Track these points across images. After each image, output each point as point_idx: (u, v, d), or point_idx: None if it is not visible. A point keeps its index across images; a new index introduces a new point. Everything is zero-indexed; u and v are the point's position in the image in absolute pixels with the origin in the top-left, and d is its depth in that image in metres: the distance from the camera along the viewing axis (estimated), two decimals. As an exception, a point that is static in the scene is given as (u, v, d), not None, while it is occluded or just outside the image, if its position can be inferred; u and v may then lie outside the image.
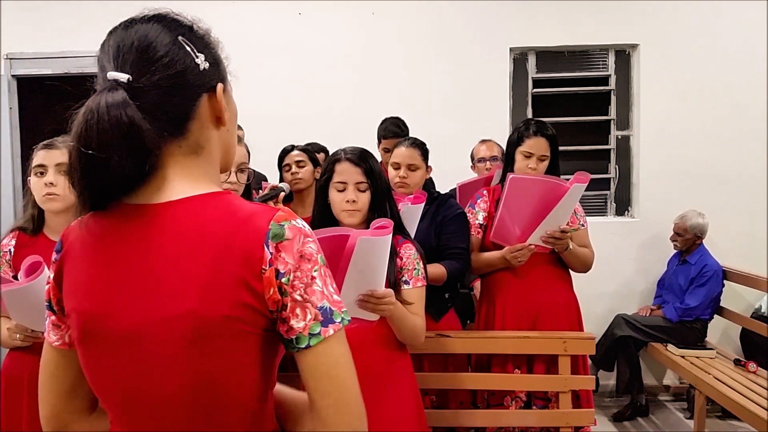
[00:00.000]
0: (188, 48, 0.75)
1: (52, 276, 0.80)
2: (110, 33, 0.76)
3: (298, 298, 0.73)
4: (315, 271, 0.75)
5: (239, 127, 2.41)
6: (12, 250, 1.67)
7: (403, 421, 1.56)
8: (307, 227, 0.78)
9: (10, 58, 3.81)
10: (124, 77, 0.70)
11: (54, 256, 0.81)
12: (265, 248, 0.72)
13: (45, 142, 1.67)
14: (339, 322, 0.76)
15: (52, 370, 0.82)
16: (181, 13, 0.79)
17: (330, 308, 0.75)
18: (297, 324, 0.73)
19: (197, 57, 0.75)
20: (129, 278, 0.72)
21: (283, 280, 0.73)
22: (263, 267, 0.72)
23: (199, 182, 0.77)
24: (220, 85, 0.80)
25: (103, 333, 0.73)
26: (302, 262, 0.74)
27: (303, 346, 0.74)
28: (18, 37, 3.78)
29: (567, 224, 2.11)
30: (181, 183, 0.76)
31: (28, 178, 1.67)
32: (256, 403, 0.77)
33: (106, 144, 0.68)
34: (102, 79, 0.73)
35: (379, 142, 2.84)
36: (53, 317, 0.82)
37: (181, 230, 0.73)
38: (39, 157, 1.65)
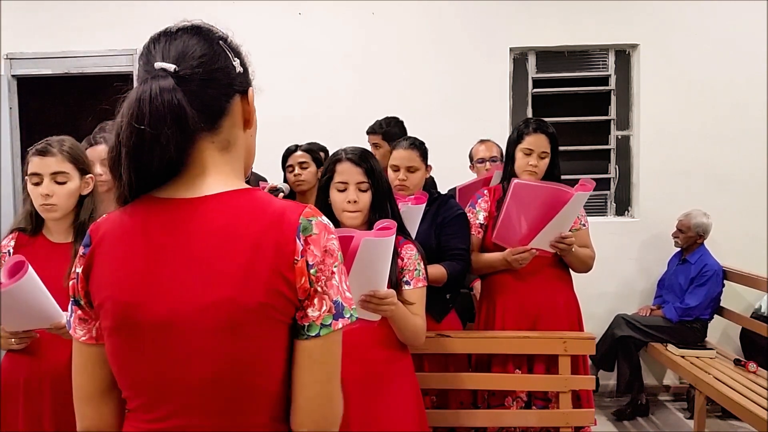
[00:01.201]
0: (226, 51, 0.82)
1: (80, 270, 0.82)
2: (154, 39, 0.82)
3: (318, 289, 0.79)
4: (335, 266, 0.81)
5: None
6: (11, 251, 1.65)
7: (404, 421, 1.56)
8: (331, 225, 0.84)
9: (10, 58, 3.80)
10: (171, 67, 0.76)
11: (82, 250, 0.83)
12: (297, 241, 0.78)
13: (39, 148, 1.61)
14: (348, 318, 0.82)
15: (90, 371, 0.84)
16: (215, 26, 0.85)
17: (342, 303, 0.81)
18: (312, 313, 0.79)
19: (234, 60, 0.82)
20: (167, 268, 0.76)
21: (311, 271, 0.78)
22: (296, 258, 0.77)
23: (229, 178, 0.82)
24: (251, 89, 0.86)
25: (140, 321, 0.76)
26: (326, 257, 0.80)
27: (313, 334, 0.79)
28: (18, 37, 3.78)
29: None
30: (214, 179, 0.81)
31: (26, 177, 1.65)
32: (279, 389, 0.80)
33: (157, 121, 0.73)
34: (146, 70, 0.78)
35: None
36: (80, 312, 0.84)
37: (217, 223, 0.77)
38: (34, 164, 1.60)
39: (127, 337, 0.78)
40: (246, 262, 0.75)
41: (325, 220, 0.83)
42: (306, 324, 0.79)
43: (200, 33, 0.81)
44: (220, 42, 0.82)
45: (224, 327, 0.75)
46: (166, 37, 0.81)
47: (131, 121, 0.73)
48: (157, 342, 0.76)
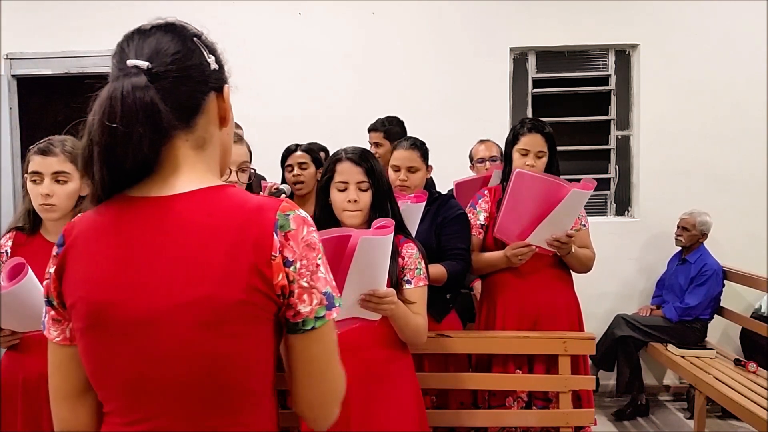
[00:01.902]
0: (201, 48, 0.81)
1: (53, 270, 0.81)
2: (127, 37, 0.80)
3: (305, 284, 0.79)
4: (319, 258, 0.81)
5: (238, 126, 2.41)
6: (9, 250, 1.65)
7: (404, 421, 1.56)
8: (309, 217, 0.83)
9: (10, 58, 3.80)
10: (144, 64, 0.75)
11: (55, 250, 0.82)
12: (275, 236, 0.77)
13: (41, 146, 1.61)
14: (338, 306, 0.83)
15: (64, 372, 0.83)
16: (189, 23, 0.84)
17: (332, 293, 0.82)
18: (304, 309, 0.79)
19: (209, 57, 0.81)
20: (142, 267, 0.75)
21: (291, 268, 0.78)
22: (273, 254, 0.77)
23: (204, 176, 0.81)
24: (227, 87, 0.85)
25: (114, 321, 0.75)
26: (308, 251, 0.80)
27: (309, 328, 0.79)
28: (18, 37, 3.78)
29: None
30: (189, 176, 0.80)
31: (25, 175, 1.64)
32: (262, 387, 0.80)
33: (129, 119, 0.72)
34: (119, 68, 0.77)
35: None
36: (53, 312, 0.83)
37: (193, 221, 0.76)
38: (35, 163, 1.60)
39: (101, 338, 0.76)
40: (224, 259, 0.74)
41: (302, 213, 0.82)
42: (300, 320, 0.79)
43: (174, 30, 0.80)
44: (194, 39, 0.81)
45: (202, 325, 0.74)
46: (139, 34, 0.79)
47: (103, 119, 0.73)
48: (132, 342, 0.75)
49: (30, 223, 1.67)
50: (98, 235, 0.78)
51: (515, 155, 2.18)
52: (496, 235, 2.13)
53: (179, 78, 0.77)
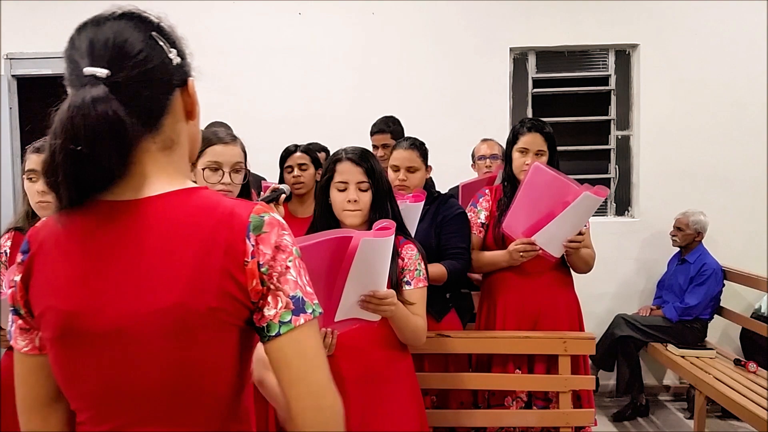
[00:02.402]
0: (161, 43, 0.76)
1: (18, 278, 0.78)
2: (79, 29, 0.75)
3: (272, 287, 0.76)
4: (289, 261, 0.77)
5: (226, 125, 2.41)
6: (8, 251, 1.66)
7: (404, 421, 1.56)
8: (284, 222, 0.80)
9: (10, 58, 3.81)
10: (103, 72, 0.70)
11: (20, 257, 0.79)
12: (247, 241, 0.75)
13: (36, 145, 1.63)
14: (310, 313, 0.77)
15: (32, 382, 0.80)
16: (147, 10, 0.78)
17: (302, 298, 0.77)
18: (269, 312, 0.75)
19: (170, 52, 0.76)
20: (111, 274, 0.73)
21: (263, 270, 0.75)
22: (246, 259, 0.74)
23: (174, 178, 0.78)
24: (191, 80, 0.81)
25: (84, 330, 0.73)
26: (277, 253, 0.76)
27: (273, 333, 0.75)
28: (18, 37, 3.78)
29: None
30: (158, 179, 0.77)
31: (23, 175, 1.65)
32: (233, 396, 0.78)
33: (93, 139, 0.68)
34: (75, 75, 0.73)
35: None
36: (20, 321, 0.80)
37: (163, 225, 0.74)
38: (31, 161, 1.62)
39: (71, 348, 0.74)
40: (195, 265, 0.72)
41: (277, 216, 0.79)
42: (264, 325, 0.75)
43: (132, 24, 0.75)
44: (154, 34, 0.75)
45: (174, 332, 0.71)
46: (93, 30, 0.73)
47: (66, 144, 0.68)
48: (103, 352, 0.73)
49: (29, 224, 1.67)
50: (65, 241, 0.75)
51: (515, 154, 2.18)
52: (503, 230, 2.11)
53: (142, 83, 0.73)
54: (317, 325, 0.79)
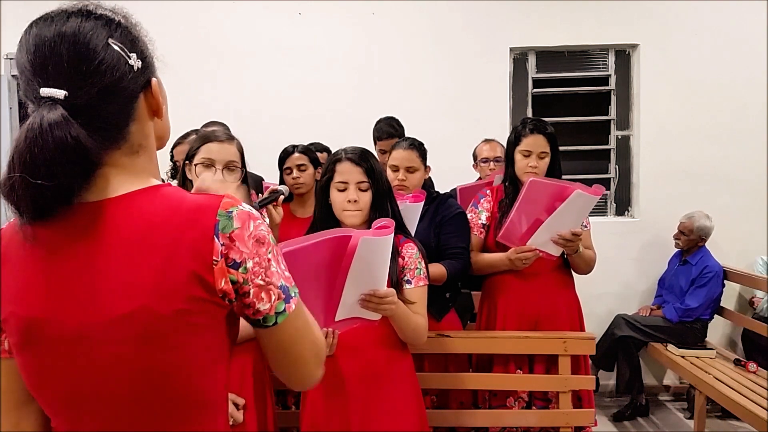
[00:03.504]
0: (121, 51, 0.72)
1: None
2: (28, 32, 0.71)
3: (261, 282, 0.76)
4: (270, 253, 0.78)
5: (224, 125, 2.41)
6: None
7: (404, 421, 1.56)
8: (254, 210, 0.78)
9: (10, 58, 3.80)
10: (60, 94, 0.67)
11: None
12: (216, 240, 0.73)
13: None
14: (295, 296, 0.80)
15: (4, 385, 0.78)
16: (100, 4, 0.74)
17: (286, 285, 0.79)
18: (263, 306, 0.77)
19: (130, 58, 0.73)
20: (74, 279, 0.70)
21: (240, 269, 0.74)
22: (214, 258, 0.73)
23: (138, 177, 0.76)
24: (154, 80, 0.78)
25: (49, 336, 0.71)
26: (258, 247, 0.76)
27: (271, 324, 0.78)
28: (18, 37, 3.76)
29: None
30: (122, 179, 0.74)
31: None
32: (212, 395, 0.78)
33: (53, 168, 0.65)
34: (32, 91, 0.69)
35: (375, 144, 2.85)
36: None
37: (125, 226, 0.71)
38: None
39: (36, 354, 0.72)
40: (160, 267, 0.70)
41: (246, 207, 0.77)
42: (260, 318, 0.77)
43: (88, 29, 0.69)
44: (111, 42, 0.71)
45: (140, 337, 0.69)
46: (45, 35, 0.69)
47: (25, 175, 0.65)
48: (67, 359, 0.71)
49: None
50: (26, 246, 0.72)
51: (517, 156, 2.16)
52: (499, 240, 2.12)
53: (103, 99, 0.70)
54: (302, 303, 0.82)
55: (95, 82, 0.69)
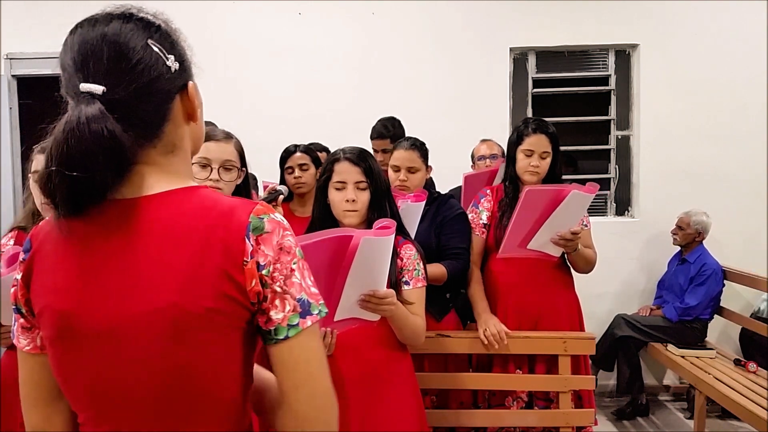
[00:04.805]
0: (159, 52, 0.74)
1: (20, 276, 0.78)
2: (73, 32, 0.74)
3: (278, 289, 0.75)
4: (294, 263, 0.77)
5: (213, 124, 2.40)
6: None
7: (404, 421, 1.56)
8: (285, 221, 0.79)
9: (10, 58, 3.81)
10: (99, 90, 0.69)
11: (22, 255, 0.79)
12: (247, 241, 0.73)
13: (43, 145, 1.63)
14: (316, 314, 0.77)
15: (35, 380, 0.80)
16: (142, 8, 0.77)
17: (308, 300, 0.77)
18: (276, 315, 0.75)
19: (168, 59, 0.75)
20: (107, 274, 0.72)
21: (264, 272, 0.74)
22: (245, 259, 0.73)
23: (174, 177, 0.78)
24: (191, 83, 0.80)
25: (80, 330, 0.72)
26: (282, 255, 0.76)
27: (281, 337, 0.75)
28: (18, 37, 3.78)
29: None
30: (157, 178, 0.76)
31: (29, 174, 1.64)
32: (235, 397, 0.77)
33: (88, 161, 0.67)
34: (71, 87, 0.72)
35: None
36: (22, 320, 0.80)
37: (160, 224, 0.73)
38: (38, 162, 1.60)
39: (68, 348, 0.73)
40: (191, 265, 0.71)
41: (278, 217, 0.78)
42: (272, 328, 0.75)
43: (129, 31, 0.72)
44: (150, 42, 0.73)
45: (170, 334, 0.70)
46: (88, 35, 0.72)
47: (62, 168, 0.67)
48: (98, 353, 0.72)
49: (33, 224, 1.67)
50: (64, 240, 0.74)
51: (519, 156, 2.16)
52: (500, 257, 2.12)
53: (140, 97, 0.72)
54: (318, 326, 0.79)
55: (133, 79, 0.71)
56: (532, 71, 3.86)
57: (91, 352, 0.72)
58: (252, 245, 0.74)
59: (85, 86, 0.69)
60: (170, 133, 0.77)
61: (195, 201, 0.75)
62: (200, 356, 0.72)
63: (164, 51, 0.75)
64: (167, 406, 0.73)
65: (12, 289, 0.80)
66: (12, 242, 1.67)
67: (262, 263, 0.74)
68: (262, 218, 0.76)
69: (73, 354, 0.73)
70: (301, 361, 0.76)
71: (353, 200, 1.57)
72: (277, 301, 0.75)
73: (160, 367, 0.71)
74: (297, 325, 0.75)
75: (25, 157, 1.66)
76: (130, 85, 0.71)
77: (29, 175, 1.64)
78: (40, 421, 0.81)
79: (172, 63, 0.75)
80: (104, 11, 0.75)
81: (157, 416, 0.74)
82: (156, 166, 0.76)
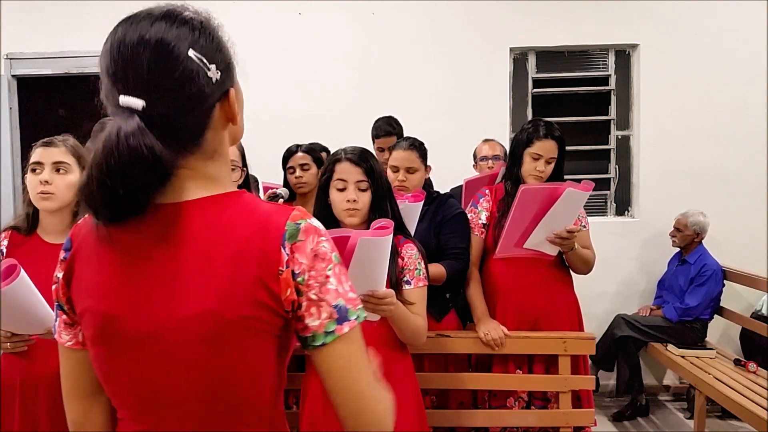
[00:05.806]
0: (200, 63, 0.72)
1: (61, 275, 0.80)
2: (114, 33, 0.72)
3: (314, 297, 0.75)
4: (329, 269, 0.76)
5: None
6: (4, 250, 1.64)
7: (404, 421, 1.55)
8: (322, 227, 0.79)
9: (10, 58, 3.81)
10: (138, 105, 0.69)
11: (63, 254, 0.80)
12: (282, 250, 0.74)
13: (44, 140, 1.62)
14: (354, 320, 0.77)
15: (75, 375, 0.82)
16: (188, 6, 0.75)
17: (345, 306, 0.76)
18: (312, 323, 0.75)
19: (209, 70, 0.73)
20: (149, 278, 0.73)
21: (299, 280, 0.74)
22: (280, 268, 0.73)
23: (213, 182, 0.77)
24: (232, 90, 0.78)
25: (120, 333, 0.73)
26: (316, 262, 0.75)
27: (318, 344, 0.75)
28: (18, 37, 3.78)
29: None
30: (198, 183, 0.76)
31: (25, 175, 1.64)
32: (270, 402, 0.79)
33: (128, 177, 0.68)
34: (111, 97, 0.71)
35: (373, 142, 2.86)
36: (64, 317, 0.82)
37: (199, 230, 0.73)
38: (36, 154, 1.60)
39: (109, 349, 0.75)
40: (228, 272, 0.71)
41: (314, 222, 0.77)
42: (309, 335, 0.75)
43: (171, 36, 0.70)
44: (192, 53, 0.71)
45: (207, 340, 0.71)
46: (129, 38, 0.70)
47: (101, 179, 0.68)
48: (138, 355, 0.74)
49: (28, 224, 1.66)
50: (103, 242, 0.74)
51: (526, 158, 2.15)
52: (497, 257, 2.12)
53: (180, 111, 0.71)
54: (360, 329, 0.78)
55: (174, 94, 0.70)
56: (532, 71, 3.86)
57: (133, 354, 0.74)
58: (287, 254, 0.74)
59: (124, 100, 0.69)
60: (210, 140, 0.77)
61: (234, 208, 0.76)
62: (236, 362, 0.73)
63: (206, 61, 0.73)
64: (205, 408, 0.74)
65: (53, 286, 0.82)
66: (6, 242, 1.65)
67: (297, 271, 0.74)
68: (299, 224, 0.75)
69: (115, 355, 0.75)
70: (338, 367, 0.76)
71: (354, 200, 1.57)
72: (312, 309, 0.75)
73: (199, 371, 0.73)
74: (333, 332, 0.75)
75: (25, 157, 1.65)
76: (170, 99, 0.70)
77: (26, 170, 1.63)
78: (80, 414, 0.83)
79: (213, 74, 0.73)
80: (147, 9, 0.73)
81: (195, 417, 0.75)
82: (196, 170, 0.76)
